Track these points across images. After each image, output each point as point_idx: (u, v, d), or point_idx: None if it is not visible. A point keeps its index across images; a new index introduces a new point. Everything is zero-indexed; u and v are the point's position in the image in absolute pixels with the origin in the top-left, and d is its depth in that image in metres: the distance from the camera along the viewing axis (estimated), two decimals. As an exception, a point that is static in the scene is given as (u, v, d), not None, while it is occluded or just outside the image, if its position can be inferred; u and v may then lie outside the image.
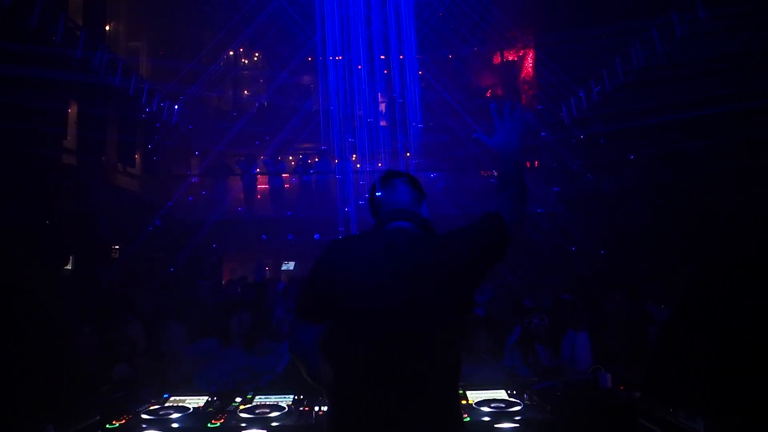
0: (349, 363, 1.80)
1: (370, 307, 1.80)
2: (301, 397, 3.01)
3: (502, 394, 2.97)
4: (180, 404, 2.97)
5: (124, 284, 10.51)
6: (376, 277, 1.83)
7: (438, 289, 1.81)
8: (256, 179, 14.80)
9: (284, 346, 4.02)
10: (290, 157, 17.25)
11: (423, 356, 1.76)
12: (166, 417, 2.76)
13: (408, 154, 13.49)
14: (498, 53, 18.44)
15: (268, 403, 2.94)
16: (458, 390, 1.94)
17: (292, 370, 3.06)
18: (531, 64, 17.83)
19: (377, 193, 2.13)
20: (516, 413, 2.69)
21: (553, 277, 10.49)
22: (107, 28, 13.62)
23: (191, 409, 2.86)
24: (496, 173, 2.25)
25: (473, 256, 1.91)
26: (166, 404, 2.98)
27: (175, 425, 2.71)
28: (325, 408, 2.75)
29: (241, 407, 2.86)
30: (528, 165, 16.07)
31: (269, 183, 14.83)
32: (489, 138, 2.28)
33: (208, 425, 2.69)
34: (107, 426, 2.61)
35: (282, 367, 3.64)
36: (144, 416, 2.76)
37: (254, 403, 2.94)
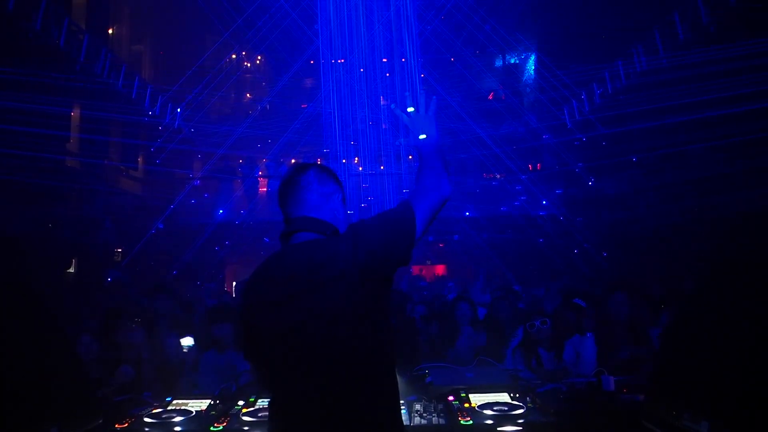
0: (275, 400, 1.78)
1: (271, 343, 1.72)
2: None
3: (504, 397, 2.96)
4: (183, 407, 2.96)
5: (128, 286, 10.53)
6: (273, 311, 1.72)
7: (336, 303, 1.65)
8: (259, 182, 14.82)
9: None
10: (292, 160, 17.27)
11: (335, 383, 1.66)
12: (168, 420, 2.76)
13: (410, 157, 13.50)
14: (500, 56, 18.46)
15: (270, 406, 2.93)
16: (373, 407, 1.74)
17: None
18: (533, 67, 17.85)
19: (280, 199, 1.94)
20: (519, 416, 2.69)
21: (553, 279, 10.48)
22: (110, 31, 13.68)
23: (194, 413, 2.86)
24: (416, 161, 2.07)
25: (375, 257, 1.69)
26: (169, 407, 2.97)
27: (177, 429, 2.70)
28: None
29: (244, 410, 2.85)
30: (531, 167, 16.09)
31: (272, 186, 14.84)
32: (408, 123, 2.13)
33: (211, 429, 2.68)
34: (110, 429, 2.61)
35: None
36: (147, 419, 2.76)
37: (257, 407, 2.93)
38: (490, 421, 2.66)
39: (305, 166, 1.95)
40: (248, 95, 19.57)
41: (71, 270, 11.36)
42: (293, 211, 1.89)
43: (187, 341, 4.12)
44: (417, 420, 2.70)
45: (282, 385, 1.73)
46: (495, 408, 2.76)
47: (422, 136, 2.04)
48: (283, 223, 1.93)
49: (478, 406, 2.81)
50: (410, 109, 2.15)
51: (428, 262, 17.63)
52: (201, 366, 4.07)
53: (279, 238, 1.92)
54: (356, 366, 1.67)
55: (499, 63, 18.81)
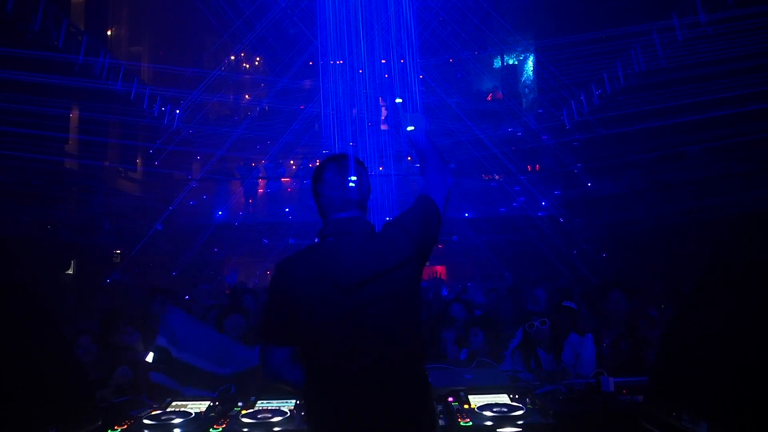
0: (319, 381, 1.90)
1: (325, 327, 1.88)
2: (303, 402, 2.99)
3: (504, 399, 2.96)
4: (182, 409, 2.96)
5: (128, 288, 10.53)
6: (324, 295, 1.89)
7: (388, 293, 1.90)
8: (258, 183, 14.82)
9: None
10: (291, 161, 17.27)
11: (387, 361, 1.86)
12: (167, 422, 2.75)
13: (409, 158, 13.50)
14: (499, 57, 18.48)
15: (270, 408, 2.92)
16: (425, 376, 1.99)
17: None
18: (532, 68, 17.87)
19: (321, 187, 2.14)
20: (518, 417, 2.69)
21: (554, 281, 10.49)
22: (109, 33, 13.68)
23: (193, 414, 2.85)
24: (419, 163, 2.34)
25: (414, 247, 1.99)
26: (168, 409, 2.97)
27: (177, 430, 2.70)
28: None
29: (243, 412, 2.85)
30: (529, 168, 16.10)
31: (270, 187, 14.84)
32: (400, 123, 2.38)
33: (211, 430, 2.68)
34: (109, 431, 2.61)
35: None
36: (146, 421, 2.75)
37: (256, 408, 2.93)
38: (489, 423, 2.66)
39: (344, 156, 2.19)
40: (247, 96, 19.57)
41: (70, 271, 11.36)
42: (338, 203, 2.11)
43: (150, 357, 4.11)
44: (416, 421, 2.69)
45: (337, 369, 1.87)
46: (494, 409, 2.76)
47: (410, 128, 2.30)
48: (320, 213, 2.14)
49: (478, 408, 2.81)
50: (398, 100, 2.34)
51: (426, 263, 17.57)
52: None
53: (321, 230, 2.09)
54: (413, 343, 1.94)
55: (497, 64, 18.83)
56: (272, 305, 2.02)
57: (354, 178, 2.12)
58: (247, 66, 19.99)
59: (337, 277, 1.91)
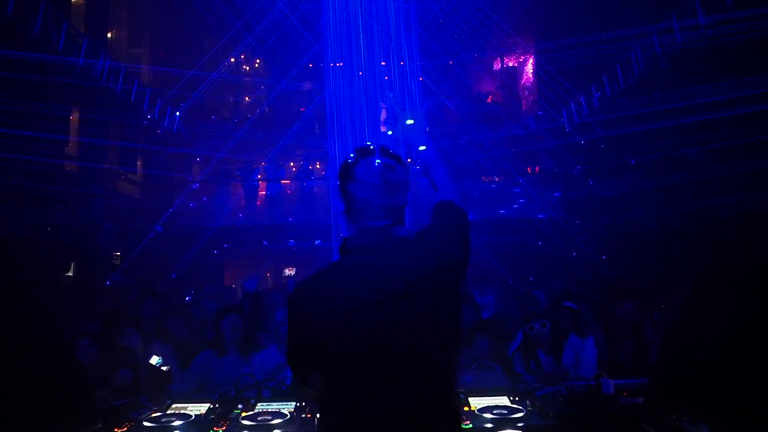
0: (346, 406, 1.69)
1: (353, 352, 1.67)
2: (303, 404, 2.99)
3: (504, 401, 2.96)
4: (182, 411, 2.96)
5: (128, 290, 10.53)
6: (352, 314, 1.66)
7: (429, 306, 1.69)
8: (258, 185, 14.82)
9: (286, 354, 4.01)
10: (291, 164, 17.28)
11: (421, 379, 1.68)
12: (168, 424, 2.75)
13: (409, 160, 13.46)
14: (498, 59, 18.49)
15: (270, 410, 2.92)
16: (455, 396, 1.86)
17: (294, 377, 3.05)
18: (531, 70, 17.88)
19: (355, 188, 1.81)
20: (519, 419, 2.69)
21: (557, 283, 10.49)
22: (109, 35, 13.69)
23: (193, 417, 2.85)
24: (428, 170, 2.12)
25: (453, 255, 1.77)
26: (168, 411, 2.97)
27: (176, 432, 2.70)
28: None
29: (243, 414, 2.85)
30: (529, 170, 16.10)
31: (270, 189, 14.84)
32: (398, 128, 2.15)
33: (210, 432, 2.69)
34: (109, 433, 2.61)
35: (284, 374, 3.63)
36: (146, 423, 2.75)
37: (256, 410, 2.93)
38: (489, 425, 2.66)
39: (388, 152, 1.90)
40: (247, 98, 19.59)
41: (70, 273, 11.35)
42: (376, 209, 1.84)
43: (154, 360, 4.11)
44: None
45: (369, 385, 1.66)
46: (495, 411, 2.76)
47: (422, 148, 2.07)
48: (349, 214, 1.85)
49: (478, 410, 2.81)
50: (409, 122, 2.16)
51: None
52: (194, 367, 4.04)
53: (352, 239, 1.82)
54: (449, 356, 1.74)
55: (497, 66, 18.84)
56: (291, 332, 1.79)
57: (397, 176, 1.82)
58: (247, 68, 20.00)
59: (367, 294, 1.67)
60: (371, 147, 1.86)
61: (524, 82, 18.36)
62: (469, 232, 1.86)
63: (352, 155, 1.86)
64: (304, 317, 1.73)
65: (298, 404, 3.01)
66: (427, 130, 2.16)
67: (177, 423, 2.76)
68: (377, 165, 1.80)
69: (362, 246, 1.77)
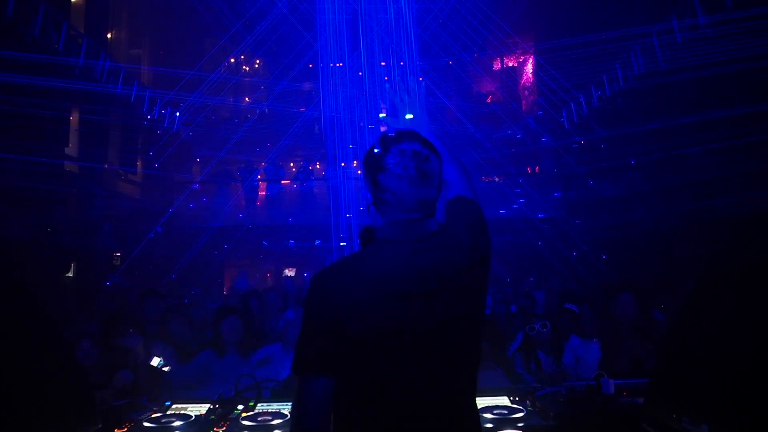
0: (367, 406, 1.61)
1: (382, 347, 1.59)
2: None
3: (504, 401, 2.96)
4: (182, 412, 2.95)
5: (128, 291, 10.53)
6: (382, 306, 1.58)
7: (462, 301, 1.67)
8: (258, 186, 14.82)
9: (287, 353, 4.01)
10: (291, 164, 17.29)
11: (449, 374, 1.68)
12: (168, 425, 2.75)
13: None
14: (498, 59, 18.50)
15: (270, 410, 2.92)
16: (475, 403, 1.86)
17: (294, 377, 3.05)
18: (531, 70, 17.89)
19: (385, 179, 1.66)
20: (519, 419, 2.68)
21: (554, 283, 10.49)
22: (109, 36, 13.69)
23: (193, 417, 2.85)
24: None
25: (483, 249, 1.77)
26: (168, 412, 2.97)
27: (176, 433, 2.70)
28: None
29: (244, 415, 2.85)
30: (529, 170, 16.11)
31: (270, 189, 14.85)
32: (398, 119, 2.10)
33: (210, 433, 2.69)
34: (109, 434, 2.61)
35: (284, 375, 3.63)
36: (146, 424, 2.75)
37: (256, 411, 2.93)
38: (489, 425, 2.66)
39: (423, 139, 1.77)
40: (247, 99, 19.59)
41: (70, 274, 11.35)
42: (413, 205, 1.73)
43: (155, 361, 4.10)
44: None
45: (400, 380, 1.60)
46: (495, 411, 2.76)
47: (409, 116, 2.04)
48: (378, 205, 1.72)
49: (478, 410, 2.81)
50: (409, 116, 2.13)
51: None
52: (193, 368, 4.04)
53: (383, 231, 1.73)
54: (477, 351, 1.79)
55: (497, 66, 18.85)
56: (309, 327, 1.62)
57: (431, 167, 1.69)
58: (247, 69, 20.01)
59: (400, 287, 1.60)
60: (403, 133, 1.72)
61: (524, 82, 18.37)
62: (487, 227, 1.86)
63: (381, 142, 1.72)
64: (328, 311, 1.59)
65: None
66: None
67: (177, 423, 2.76)
68: (410, 154, 1.65)
69: (392, 238, 1.68)
